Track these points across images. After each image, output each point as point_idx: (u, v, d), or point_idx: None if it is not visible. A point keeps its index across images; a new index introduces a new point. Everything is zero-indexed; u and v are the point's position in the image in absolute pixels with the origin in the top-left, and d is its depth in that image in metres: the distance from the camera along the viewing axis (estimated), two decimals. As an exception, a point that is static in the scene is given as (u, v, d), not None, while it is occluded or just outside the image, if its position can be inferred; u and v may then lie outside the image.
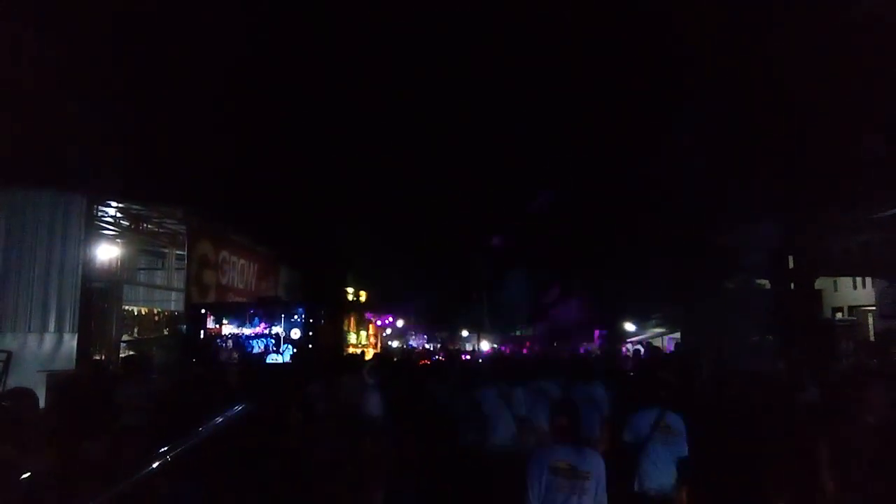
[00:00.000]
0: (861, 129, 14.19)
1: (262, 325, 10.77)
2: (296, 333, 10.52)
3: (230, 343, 10.78)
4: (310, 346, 10.49)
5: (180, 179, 17.14)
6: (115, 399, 6.19)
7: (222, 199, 17.94)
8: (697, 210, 16.86)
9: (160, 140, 17.76)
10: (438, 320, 41.98)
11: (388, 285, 33.42)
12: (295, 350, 10.45)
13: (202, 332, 11.03)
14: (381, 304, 29.48)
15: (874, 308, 16.40)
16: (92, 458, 3.71)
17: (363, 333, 23.29)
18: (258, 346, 10.67)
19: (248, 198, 21.52)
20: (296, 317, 10.72)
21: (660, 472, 5.03)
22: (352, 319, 21.35)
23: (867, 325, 16.88)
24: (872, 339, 15.84)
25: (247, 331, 10.87)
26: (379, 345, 25.60)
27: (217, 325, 11.04)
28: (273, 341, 10.61)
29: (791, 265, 15.94)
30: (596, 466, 3.98)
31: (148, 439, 4.19)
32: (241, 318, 11.00)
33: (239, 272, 16.19)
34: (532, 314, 34.49)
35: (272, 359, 10.53)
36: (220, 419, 1.86)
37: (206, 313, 11.29)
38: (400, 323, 43.96)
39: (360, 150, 34.77)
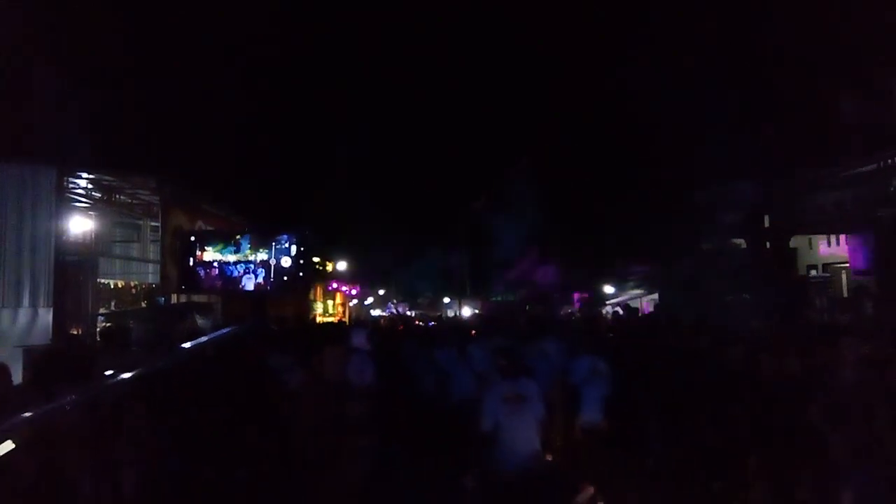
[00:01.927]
0: (836, 87, 14.29)
1: (248, 251, 10.55)
2: (286, 262, 10.31)
3: (214, 271, 10.61)
4: (300, 273, 10.34)
5: (152, 149, 16.85)
6: (93, 372, 6.13)
7: (195, 169, 17.66)
8: (674, 168, 16.94)
9: (130, 110, 17.41)
10: (419, 287, 42.07)
11: (366, 253, 33.35)
12: (285, 278, 10.25)
13: (191, 259, 10.86)
14: (354, 274, 29.37)
15: (847, 265, 16.65)
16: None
17: (330, 303, 23.29)
18: (238, 272, 10.49)
19: (221, 167, 21.22)
20: (285, 244, 10.48)
21: (592, 408, 6.08)
22: (317, 289, 21.25)
23: (841, 281, 17.16)
24: (845, 295, 16.11)
25: (231, 257, 10.65)
26: (347, 314, 25.58)
27: (200, 252, 10.86)
28: (253, 266, 10.42)
29: (766, 224, 16.10)
30: (532, 390, 5.21)
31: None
32: (226, 244, 10.79)
33: (215, 242, 16.03)
34: (512, 279, 34.61)
35: (248, 280, 10.37)
36: (203, 339, 1.79)
37: (195, 241, 11.11)
38: (381, 291, 44.01)
39: (331, 111, 34.40)
